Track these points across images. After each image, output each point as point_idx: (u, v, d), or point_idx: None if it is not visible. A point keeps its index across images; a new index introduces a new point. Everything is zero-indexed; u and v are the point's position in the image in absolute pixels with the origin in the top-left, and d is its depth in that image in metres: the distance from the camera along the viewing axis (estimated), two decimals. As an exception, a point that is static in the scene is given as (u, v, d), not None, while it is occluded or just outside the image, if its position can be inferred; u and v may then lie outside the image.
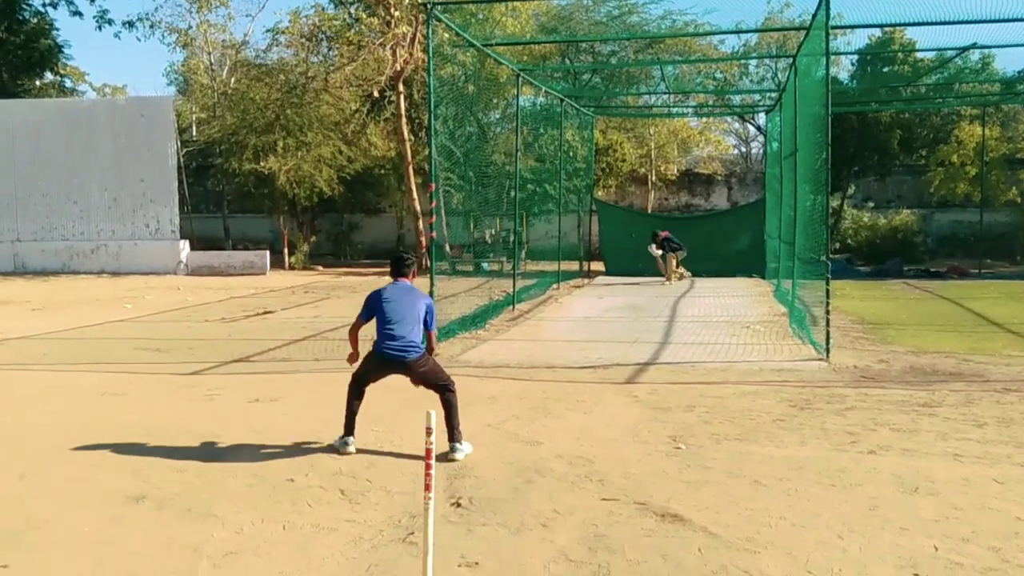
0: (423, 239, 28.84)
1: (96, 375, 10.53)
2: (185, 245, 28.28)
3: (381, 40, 26.67)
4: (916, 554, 4.82)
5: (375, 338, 7.05)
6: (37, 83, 36.42)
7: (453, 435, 6.86)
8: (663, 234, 23.16)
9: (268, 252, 28.91)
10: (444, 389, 7.00)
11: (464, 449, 6.85)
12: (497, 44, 17.61)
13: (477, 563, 4.81)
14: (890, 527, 5.23)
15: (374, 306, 7.11)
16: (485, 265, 24.68)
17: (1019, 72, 23.52)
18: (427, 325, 7.15)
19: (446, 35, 16.53)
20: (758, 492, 5.90)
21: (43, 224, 28.32)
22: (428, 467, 4.33)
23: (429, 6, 12.23)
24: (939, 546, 4.93)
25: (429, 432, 4.38)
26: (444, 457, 6.61)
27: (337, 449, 6.95)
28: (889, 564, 4.70)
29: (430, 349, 7.21)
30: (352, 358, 7.28)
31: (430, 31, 12.28)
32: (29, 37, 34.68)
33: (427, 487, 4.32)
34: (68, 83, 38.89)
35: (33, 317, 16.45)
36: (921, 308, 17.15)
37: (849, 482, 6.08)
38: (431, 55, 12.25)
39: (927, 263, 28.11)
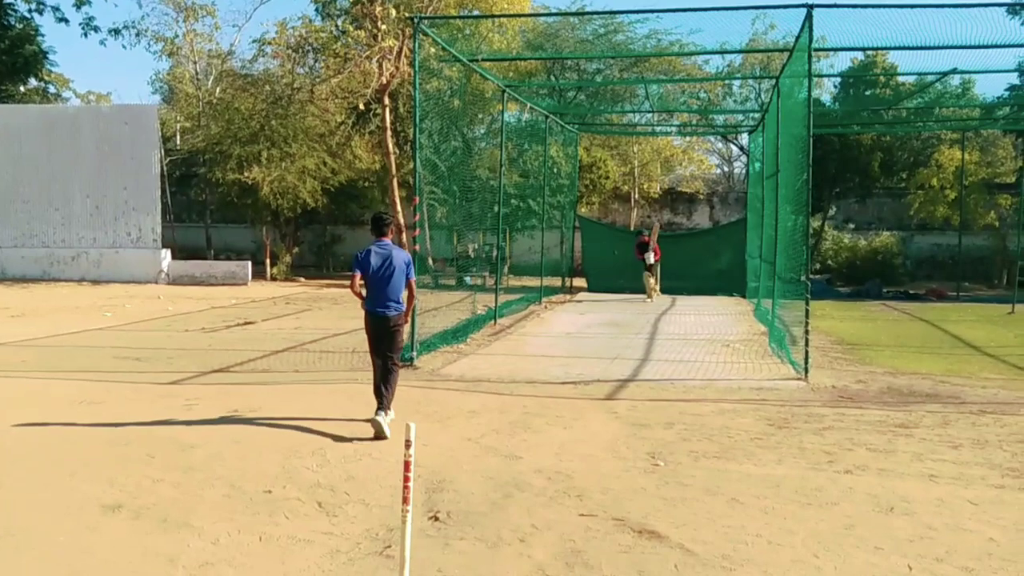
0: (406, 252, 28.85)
1: (74, 383, 10.46)
2: (167, 254, 28.11)
3: (367, 53, 26.69)
4: (890, 573, 4.87)
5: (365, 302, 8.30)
6: (20, 88, 36.26)
7: (382, 403, 8.05)
8: (645, 239, 23.13)
9: (250, 263, 28.75)
10: (390, 359, 8.25)
11: (390, 416, 7.99)
12: (484, 60, 17.64)
13: (454, 577, 4.82)
14: (865, 546, 5.27)
15: (363, 266, 8.24)
16: (467, 279, 24.67)
17: (998, 98, 23.79)
18: (408, 275, 8.43)
19: (432, 50, 16.55)
20: (735, 510, 5.93)
21: (23, 230, 28.13)
22: (406, 480, 4.33)
23: (416, 20, 12.26)
24: (913, 566, 4.97)
25: (408, 444, 4.37)
26: (371, 421, 7.86)
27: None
28: (863, 583, 4.74)
29: (411, 296, 8.59)
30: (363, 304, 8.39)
31: (416, 45, 12.31)
32: (14, 43, 34.61)
33: (405, 500, 4.32)
34: (52, 89, 38.78)
35: (11, 324, 16.33)
36: (899, 329, 17.24)
37: (825, 501, 6.12)
38: (417, 69, 12.27)
39: (906, 285, 28.30)
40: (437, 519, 5.71)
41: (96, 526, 5.59)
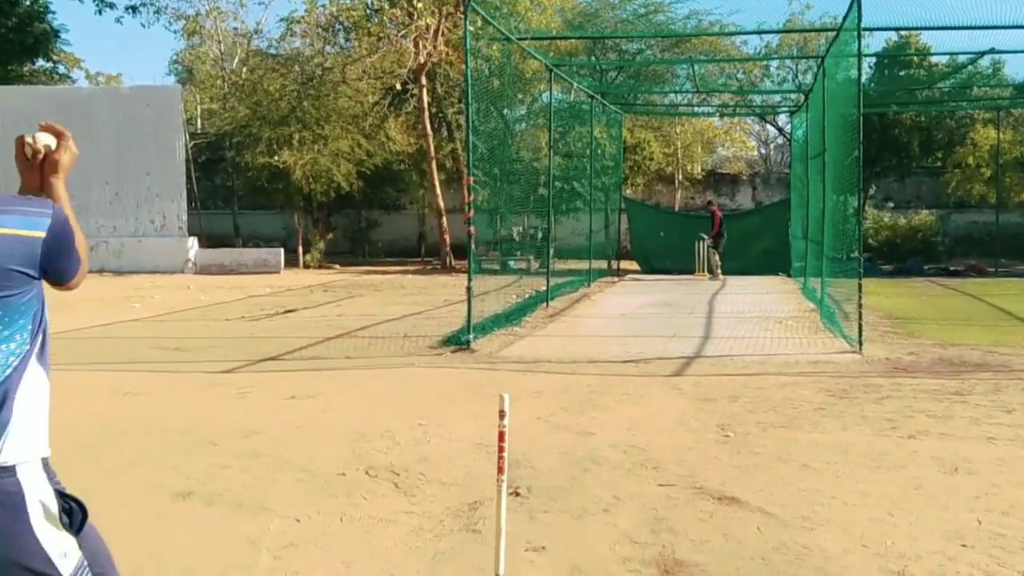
0: (446, 237, 28.66)
1: (115, 374, 10.15)
2: (193, 242, 27.30)
3: (403, 32, 26.41)
4: (961, 527, 5.05)
5: None
6: (26, 69, 34.40)
7: None
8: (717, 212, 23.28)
9: (282, 250, 28.19)
10: None
11: None
12: (530, 39, 17.65)
13: (544, 547, 4.90)
14: (935, 504, 5.46)
15: None
16: (511, 263, 24.55)
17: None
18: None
19: (472, 28, 16.67)
20: (807, 475, 6.09)
21: (36, 219, 27.76)
22: (501, 450, 4.43)
23: (468, -2, 12.33)
24: (982, 519, 5.16)
25: (502, 415, 4.49)
26: None
27: None
28: (937, 536, 4.93)
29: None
30: None
31: (467, 23, 12.44)
32: (22, 20, 32.53)
33: (500, 470, 4.40)
34: (61, 69, 36.84)
35: (38, 315, 16.21)
36: (944, 304, 17.38)
37: (892, 464, 6.30)
38: (468, 46, 12.35)
39: (945, 262, 28.25)
40: (518, 494, 5.75)
41: (170, 512, 5.53)
